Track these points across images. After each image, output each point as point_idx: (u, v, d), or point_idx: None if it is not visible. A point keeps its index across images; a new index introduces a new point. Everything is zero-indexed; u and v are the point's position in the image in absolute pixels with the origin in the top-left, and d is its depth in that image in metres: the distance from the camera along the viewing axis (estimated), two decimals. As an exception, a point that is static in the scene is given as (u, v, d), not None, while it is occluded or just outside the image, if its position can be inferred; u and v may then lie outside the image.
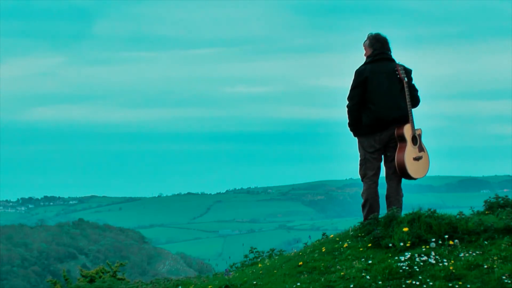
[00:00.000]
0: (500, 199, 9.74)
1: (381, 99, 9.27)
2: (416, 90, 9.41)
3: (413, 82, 9.39)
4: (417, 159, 9.26)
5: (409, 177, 9.30)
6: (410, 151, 9.23)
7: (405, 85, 9.26)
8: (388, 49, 9.41)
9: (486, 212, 9.62)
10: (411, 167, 9.25)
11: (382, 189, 9.41)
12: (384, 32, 9.48)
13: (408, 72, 9.35)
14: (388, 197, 9.37)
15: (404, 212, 9.17)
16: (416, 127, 9.29)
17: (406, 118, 9.25)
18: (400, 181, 9.39)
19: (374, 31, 9.46)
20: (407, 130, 9.22)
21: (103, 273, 14.78)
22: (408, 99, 9.25)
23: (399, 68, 9.28)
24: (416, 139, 9.27)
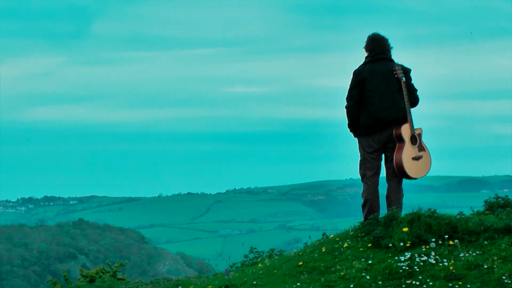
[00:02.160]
0: (500, 199, 9.73)
1: (379, 99, 9.27)
2: (415, 90, 9.40)
3: (412, 82, 9.38)
4: (416, 158, 9.24)
5: (408, 177, 9.29)
6: (408, 151, 9.21)
7: (403, 85, 9.25)
8: (387, 49, 9.41)
9: (486, 212, 9.62)
10: (410, 167, 9.23)
11: (383, 189, 9.41)
12: (384, 32, 9.48)
13: (406, 71, 9.34)
14: (388, 197, 9.37)
15: (404, 212, 9.16)
16: (416, 127, 9.29)
17: (405, 118, 9.23)
18: (400, 181, 9.38)
19: (375, 31, 9.47)
20: (404, 130, 9.20)
21: (103, 273, 14.79)
22: (406, 99, 9.24)
23: (397, 67, 9.27)
24: (415, 139, 9.25)
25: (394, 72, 9.24)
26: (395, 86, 9.26)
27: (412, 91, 9.34)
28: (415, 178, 9.33)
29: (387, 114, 9.23)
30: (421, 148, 9.30)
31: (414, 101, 9.37)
